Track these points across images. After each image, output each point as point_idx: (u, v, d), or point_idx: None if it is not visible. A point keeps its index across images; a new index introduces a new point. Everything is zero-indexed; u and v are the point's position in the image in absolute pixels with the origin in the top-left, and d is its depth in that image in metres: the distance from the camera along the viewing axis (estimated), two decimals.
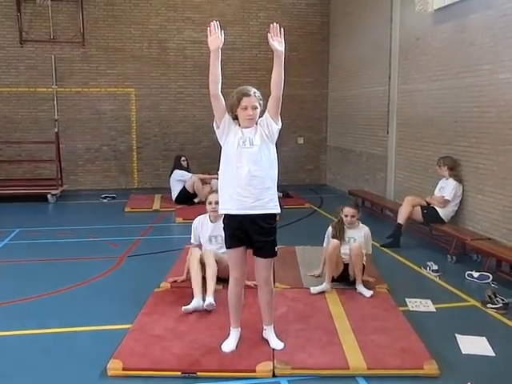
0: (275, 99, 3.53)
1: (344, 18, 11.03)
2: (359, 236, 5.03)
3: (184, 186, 9.39)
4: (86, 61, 11.10)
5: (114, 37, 11.16)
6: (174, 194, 9.50)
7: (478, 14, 6.37)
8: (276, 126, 3.57)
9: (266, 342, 3.75)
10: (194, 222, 5.06)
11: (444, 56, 7.15)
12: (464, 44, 6.66)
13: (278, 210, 3.59)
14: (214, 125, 3.59)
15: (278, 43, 3.41)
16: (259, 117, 3.58)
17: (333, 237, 5.02)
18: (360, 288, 4.86)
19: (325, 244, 5.18)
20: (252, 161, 3.47)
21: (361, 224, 5.14)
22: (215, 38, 3.47)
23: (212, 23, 3.43)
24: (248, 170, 3.45)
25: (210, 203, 4.85)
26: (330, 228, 5.15)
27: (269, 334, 3.79)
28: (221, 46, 3.50)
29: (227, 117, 3.54)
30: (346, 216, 5.00)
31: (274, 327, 3.82)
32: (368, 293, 4.79)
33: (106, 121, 11.35)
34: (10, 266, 5.94)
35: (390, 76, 8.80)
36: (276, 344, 3.70)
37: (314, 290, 4.84)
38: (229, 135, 3.54)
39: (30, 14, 10.78)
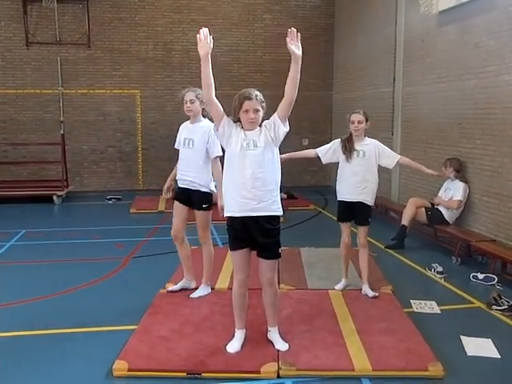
0: (287, 102, 3.51)
1: (348, 19, 11.04)
2: (368, 149, 4.79)
3: None
4: (91, 63, 11.15)
5: (120, 39, 11.21)
6: None
7: (482, 15, 6.37)
8: (284, 129, 3.57)
9: (271, 343, 3.76)
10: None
11: (449, 58, 7.14)
12: (469, 46, 6.65)
13: (280, 212, 3.61)
14: (214, 128, 3.62)
15: (295, 47, 3.40)
16: (266, 118, 3.59)
17: (342, 149, 4.81)
18: (365, 288, 4.88)
19: (321, 149, 4.96)
20: (255, 163, 3.48)
21: (367, 137, 4.88)
22: (204, 43, 3.44)
23: (201, 30, 3.43)
24: (252, 172, 3.47)
25: (186, 102, 4.62)
26: (336, 140, 4.94)
27: (273, 335, 3.79)
28: (210, 51, 3.48)
29: (225, 119, 3.55)
30: (353, 123, 4.76)
31: (278, 328, 3.83)
32: (371, 293, 4.82)
33: (111, 122, 11.39)
34: (16, 267, 5.96)
35: (394, 78, 8.80)
36: (281, 345, 3.71)
37: (338, 287, 4.96)
38: (231, 138, 3.55)
39: (36, 16, 10.84)
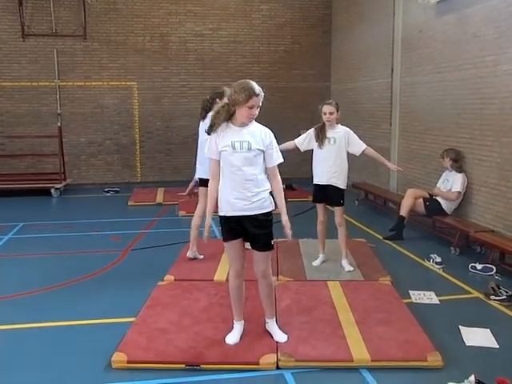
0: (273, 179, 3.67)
1: (346, 10, 10.97)
2: (339, 136, 5.21)
3: None
4: (88, 54, 11.08)
5: (116, 30, 11.14)
6: None
7: (481, 5, 6.32)
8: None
9: (270, 334, 3.76)
10: None
11: (447, 48, 7.11)
12: (467, 35, 6.62)
13: (273, 207, 3.62)
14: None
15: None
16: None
17: (315, 137, 5.24)
18: (344, 263, 5.35)
19: (299, 139, 5.40)
20: (247, 164, 3.47)
21: (340, 125, 5.30)
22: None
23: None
24: (243, 174, 3.47)
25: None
26: (311, 129, 5.36)
27: (271, 326, 3.80)
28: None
29: (211, 154, 3.55)
30: (325, 114, 5.15)
31: (276, 320, 3.83)
32: (348, 267, 5.28)
33: (108, 114, 11.34)
34: (14, 260, 5.96)
35: (392, 68, 8.76)
36: (280, 337, 3.71)
37: (315, 263, 5.44)
38: (219, 140, 3.51)
39: (32, 8, 10.76)
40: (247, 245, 3.68)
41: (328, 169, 5.20)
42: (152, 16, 11.22)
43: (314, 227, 5.53)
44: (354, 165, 10.07)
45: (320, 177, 5.28)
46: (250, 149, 3.47)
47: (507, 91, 5.86)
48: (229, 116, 3.51)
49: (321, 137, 5.21)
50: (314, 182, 5.36)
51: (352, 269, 5.28)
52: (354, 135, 5.30)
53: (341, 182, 5.24)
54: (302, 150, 5.42)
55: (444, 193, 6.65)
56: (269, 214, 3.59)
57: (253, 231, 3.55)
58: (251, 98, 3.39)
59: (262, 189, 3.54)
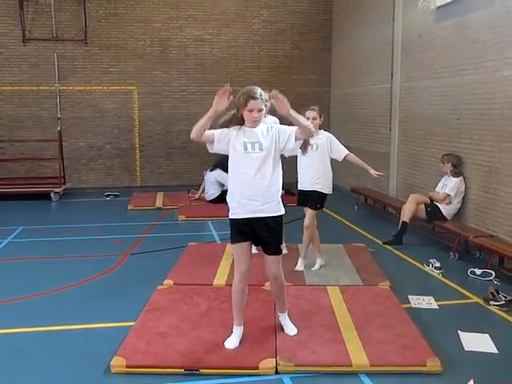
0: (303, 134, 3.63)
1: (346, 15, 11.02)
2: (322, 142, 5.21)
3: (223, 190, 8.72)
4: (88, 59, 11.11)
5: (117, 35, 11.16)
6: (212, 194, 9.16)
7: (480, 11, 6.35)
8: (290, 147, 3.67)
9: (270, 336, 3.76)
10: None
11: (447, 53, 7.13)
12: (467, 41, 6.64)
13: (283, 212, 3.69)
14: (208, 147, 3.60)
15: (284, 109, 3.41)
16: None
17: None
18: (299, 261, 5.47)
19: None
20: (260, 164, 3.51)
21: (323, 131, 5.30)
22: (223, 100, 3.39)
23: (226, 88, 3.39)
24: (255, 174, 3.51)
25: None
26: None
27: (283, 319, 3.92)
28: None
29: (216, 137, 3.54)
30: (308, 119, 5.07)
31: (288, 313, 3.94)
32: (300, 267, 5.41)
33: (108, 119, 11.36)
34: (13, 264, 5.95)
35: (392, 73, 8.79)
36: (290, 330, 3.85)
37: (314, 268, 5.45)
38: (231, 142, 3.55)
39: (33, 13, 10.79)
40: (254, 249, 3.72)
41: (311, 175, 5.24)
42: (152, 21, 11.25)
43: None
44: (354, 170, 10.11)
45: (304, 183, 5.32)
46: (261, 149, 3.53)
47: (507, 97, 5.88)
48: (239, 122, 3.58)
49: (304, 143, 5.21)
50: (299, 188, 5.40)
51: (302, 269, 5.40)
52: (336, 141, 5.31)
53: (325, 188, 5.27)
54: (286, 156, 5.43)
55: (435, 194, 6.69)
56: (279, 217, 3.64)
57: (263, 235, 3.60)
58: (249, 102, 3.47)
59: (275, 189, 3.60)
